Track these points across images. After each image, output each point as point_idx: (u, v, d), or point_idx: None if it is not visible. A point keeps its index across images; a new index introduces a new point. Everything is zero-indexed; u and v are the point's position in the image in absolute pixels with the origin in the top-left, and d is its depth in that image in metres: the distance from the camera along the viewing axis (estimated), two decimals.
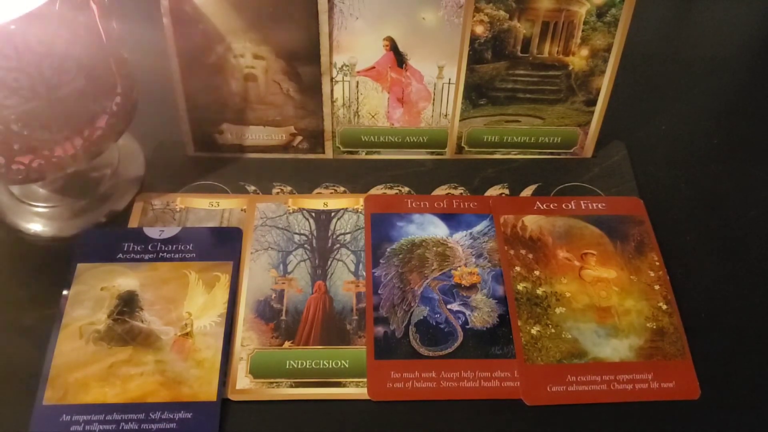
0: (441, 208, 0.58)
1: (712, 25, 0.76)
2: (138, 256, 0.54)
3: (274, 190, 0.60)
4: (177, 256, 0.54)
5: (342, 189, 0.60)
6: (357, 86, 0.59)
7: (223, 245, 0.55)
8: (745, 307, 0.54)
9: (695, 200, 0.60)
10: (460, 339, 0.51)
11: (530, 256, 0.55)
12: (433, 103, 0.60)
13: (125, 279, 0.53)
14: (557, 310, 0.52)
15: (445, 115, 0.61)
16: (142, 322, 0.51)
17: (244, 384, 0.49)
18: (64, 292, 0.52)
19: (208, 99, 0.59)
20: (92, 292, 0.52)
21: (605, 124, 0.61)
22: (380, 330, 0.51)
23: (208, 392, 0.48)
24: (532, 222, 0.57)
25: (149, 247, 0.55)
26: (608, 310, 0.53)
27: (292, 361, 0.50)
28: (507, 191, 0.60)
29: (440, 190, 0.60)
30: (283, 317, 0.52)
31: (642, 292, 0.54)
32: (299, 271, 0.54)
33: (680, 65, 0.72)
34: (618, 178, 0.61)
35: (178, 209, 0.58)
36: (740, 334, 0.52)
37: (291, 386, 0.49)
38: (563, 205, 0.59)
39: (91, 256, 0.54)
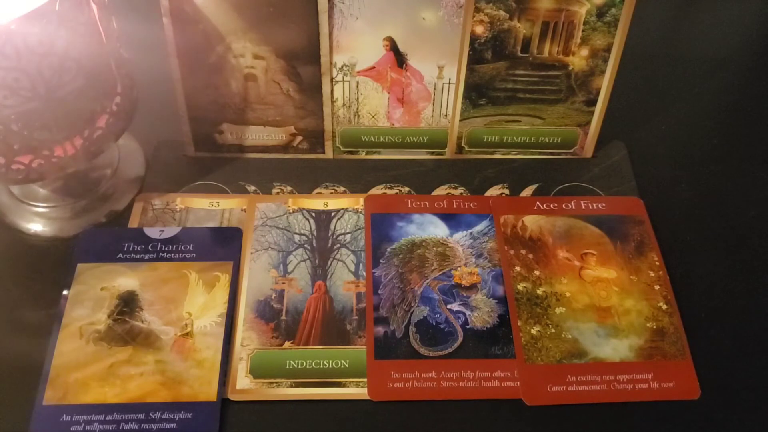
0: (441, 208, 0.58)
1: (712, 25, 0.76)
2: (138, 256, 0.54)
3: (274, 190, 0.60)
4: (177, 256, 0.54)
5: (342, 189, 0.60)
6: (357, 86, 0.59)
7: (223, 245, 0.55)
8: (745, 307, 0.54)
9: (695, 200, 0.60)
10: (460, 339, 0.51)
11: (530, 256, 0.55)
12: (433, 103, 0.60)
13: (125, 279, 0.53)
14: (557, 310, 0.52)
15: (445, 115, 0.61)
16: (142, 322, 0.51)
17: (244, 384, 0.49)
18: (64, 292, 0.52)
19: (208, 99, 0.59)
20: (92, 292, 0.52)
21: (605, 124, 0.61)
22: (380, 330, 0.51)
23: (208, 392, 0.48)
24: (532, 222, 0.57)
25: (149, 247, 0.55)
26: (608, 310, 0.53)
27: (292, 361, 0.50)
28: (507, 191, 0.60)
29: (440, 190, 0.60)
30: (283, 317, 0.52)
31: (642, 292, 0.54)
32: (299, 271, 0.54)
33: (680, 65, 0.72)
34: (618, 178, 0.61)
35: (178, 209, 0.58)
36: (740, 334, 0.52)
37: (291, 386, 0.49)
38: (563, 205, 0.59)
39: (91, 256, 0.54)
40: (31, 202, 0.57)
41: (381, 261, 0.55)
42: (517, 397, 0.49)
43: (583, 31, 0.56)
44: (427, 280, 0.54)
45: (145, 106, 0.56)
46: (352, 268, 0.55)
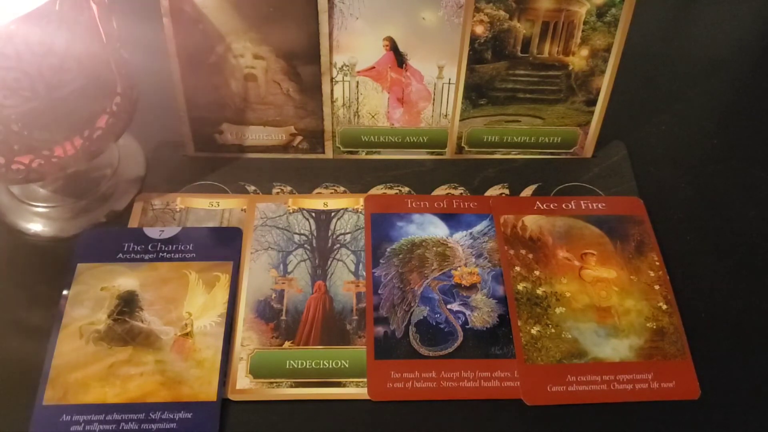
0: (441, 208, 0.58)
1: (712, 25, 0.76)
2: (138, 256, 0.54)
3: (274, 190, 0.60)
4: (177, 256, 0.54)
5: (342, 189, 0.60)
6: (357, 86, 0.59)
7: (223, 245, 0.55)
8: (745, 307, 0.54)
9: (695, 200, 0.60)
10: (460, 339, 0.51)
11: (530, 256, 0.55)
12: (433, 103, 0.60)
13: (125, 279, 0.53)
14: (557, 310, 0.52)
15: (445, 115, 0.61)
16: (142, 322, 0.51)
17: (244, 384, 0.49)
18: (64, 292, 0.52)
19: (208, 99, 0.59)
20: (92, 292, 0.52)
21: (605, 124, 0.61)
22: (380, 330, 0.51)
23: (208, 392, 0.48)
24: (532, 222, 0.57)
25: (149, 247, 0.55)
26: (608, 310, 0.53)
27: (292, 361, 0.50)
28: (507, 191, 0.60)
29: (440, 190, 0.60)
30: (283, 317, 0.52)
31: (642, 292, 0.54)
32: (299, 271, 0.54)
33: (680, 65, 0.72)
34: (618, 178, 0.61)
35: (178, 209, 0.58)
36: (740, 334, 0.52)
37: (291, 386, 0.49)
38: (563, 205, 0.59)
39: (91, 256, 0.54)
40: (31, 202, 0.57)
41: (381, 261, 0.55)
42: (517, 397, 0.49)
43: (583, 31, 0.56)
44: (427, 280, 0.54)
45: (145, 106, 0.56)
46: (352, 268, 0.55)
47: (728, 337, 0.52)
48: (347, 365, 0.50)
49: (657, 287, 0.54)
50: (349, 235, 0.57)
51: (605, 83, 0.58)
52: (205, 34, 0.55)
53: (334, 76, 0.58)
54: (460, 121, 0.61)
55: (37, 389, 0.48)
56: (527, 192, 0.60)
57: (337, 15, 0.55)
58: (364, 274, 0.54)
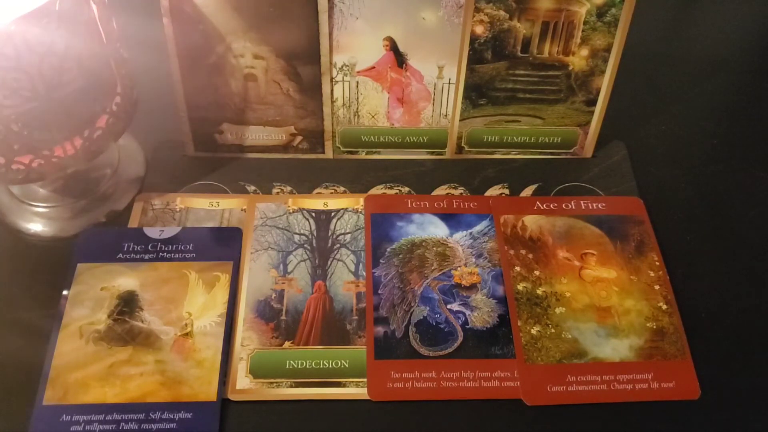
0: (441, 208, 0.58)
1: (712, 25, 0.76)
2: (138, 256, 0.54)
3: (274, 190, 0.60)
4: (177, 256, 0.54)
5: (342, 189, 0.60)
6: (357, 86, 0.59)
7: (223, 245, 0.55)
8: (745, 307, 0.54)
9: (695, 200, 0.60)
10: (460, 339, 0.51)
11: (530, 256, 0.55)
12: (433, 103, 0.60)
13: (125, 279, 0.53)
14: (557, 310, 0.52)
15: (445, 115, 0.61)
16: (142, 322, 0.51)
17: (244, 384, 0.49)
18: (64, 292, 0.52)
19: (208, 99, 0.59)
20: (92, 292, 0.52)
21: (605, 124, 0.61)
22: (380, 330, 0.51)
23: (208, 392, 0.48)
24: (532, 222, 0.57)
25: (149, 247, 0.55)
26: (608, 310, 0.53)
27: (292, 361, 0.50)
28: (507, 191, 0.60)
29: (440, 190, 0.60)
30: (283, 317, 0.52)
31: (642, 292, 0.54)
32: (299, 271, 0.54)
33: (680, 65, 0.72)
34: (618, 178, 0.61)
35: (178, 209, 0.58)
36: (740, 334, 0.52)
37: (291, 386, 0.49)
38: (563, 205, 0.59)
39: (91, 256, 0.54)
40: (31, 202, 0.57)
41: (381, 261, 0.55)
42: (517, 397, 0.49)
43: (583, 31, 0.56)
44: (427, 280, 0.54)
45: (145, 106, 0.56)
46: (352, 268, 0.55)
47: (728, 337, 0.52)
48: (347, 365, 0.50)
49: (657, 287, 0.54)
50: (349, 235, 0.57)
51: (605, 83, 0.58)
52: (205, 34, 0.55)
53: (334, 76, 0.58)
54: (460, 121, 0.61)
55: (37, 389, 0.48)
56: (527, 192, 0.60)
57: (337, 15, 0.55)
58: (364, 274, 0.54)
